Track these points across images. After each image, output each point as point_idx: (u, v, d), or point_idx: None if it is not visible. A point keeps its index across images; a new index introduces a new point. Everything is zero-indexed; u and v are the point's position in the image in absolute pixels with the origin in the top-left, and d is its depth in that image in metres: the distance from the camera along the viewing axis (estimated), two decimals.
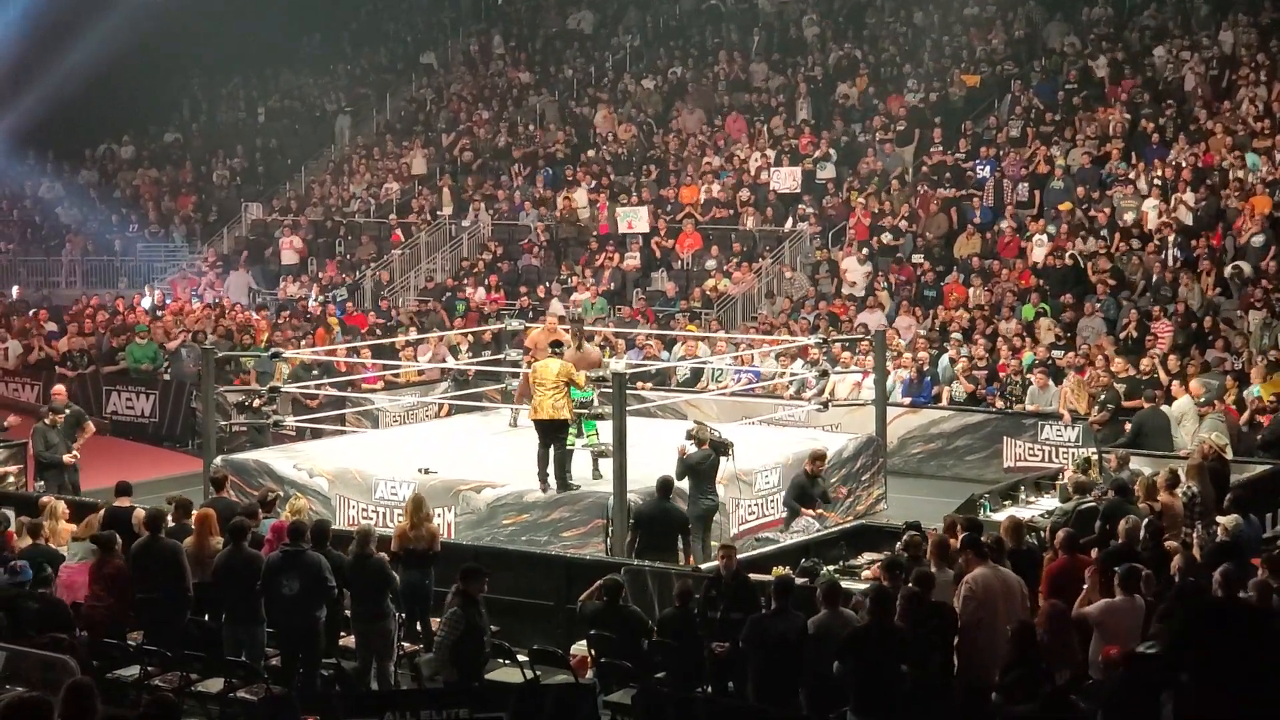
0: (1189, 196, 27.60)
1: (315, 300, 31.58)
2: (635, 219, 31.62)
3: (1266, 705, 8.85)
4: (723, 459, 17.31)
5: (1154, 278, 26.12)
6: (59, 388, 21.62)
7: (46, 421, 19.94)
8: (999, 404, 23.56)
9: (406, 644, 14.16)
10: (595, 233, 32.59)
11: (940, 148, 31.78)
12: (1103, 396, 22.00)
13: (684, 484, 17.00)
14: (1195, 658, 9.45)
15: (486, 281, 31.39)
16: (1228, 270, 25.80)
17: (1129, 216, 27.80)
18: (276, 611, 13.31)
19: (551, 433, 17.53)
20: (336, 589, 13.42)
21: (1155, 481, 15.86)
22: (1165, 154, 29.12)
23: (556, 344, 18.63)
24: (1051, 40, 34.46)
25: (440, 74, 41.49)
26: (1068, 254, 27.06)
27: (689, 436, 17.36)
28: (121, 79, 38.95)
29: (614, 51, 39.74)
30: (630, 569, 14.84)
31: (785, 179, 32.35)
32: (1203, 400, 21.18)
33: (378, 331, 28.12)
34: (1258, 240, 26.10)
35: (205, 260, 35.54)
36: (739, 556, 16.68)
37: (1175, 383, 21.58)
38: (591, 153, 35.40)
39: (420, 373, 25.84)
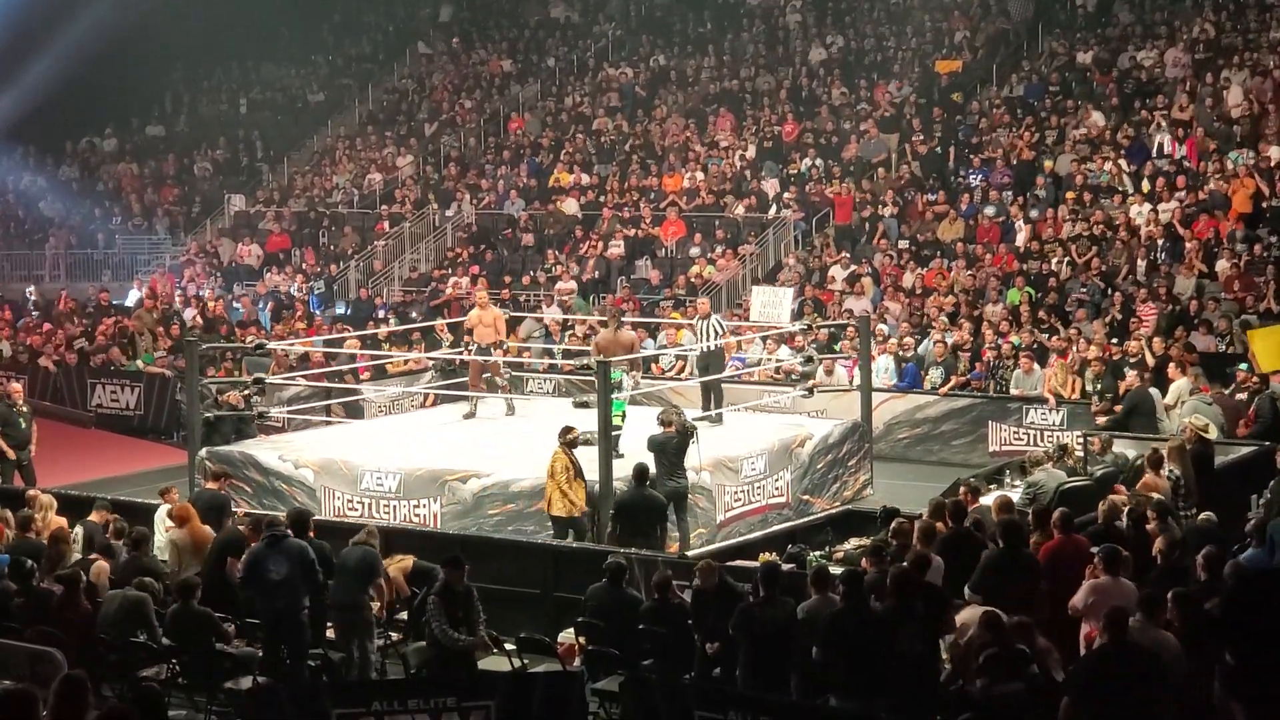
0: (1178, 181, 27.73)
1: (298, 292, 31.56)
2: None
3: None
4: (690, 443, 17.31)
5: (1138, 262, 26.20)
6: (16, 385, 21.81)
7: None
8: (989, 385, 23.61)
9: (394, 634, 14.17)
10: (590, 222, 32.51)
11: (921, 136, 31.82)
12: (1099, 385, 21.94)
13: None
14: (1241, 630, 9.36)
15: (470, 271, 31.37)
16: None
17: (1114, 211, 27.86)
18: (262, 597, 13.35)
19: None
20: (322, 576, 13.44)
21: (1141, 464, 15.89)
22: (1150, 144, 29.20)
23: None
24: (1034, 26, 34.52)
25: (422, 64, 41.45)
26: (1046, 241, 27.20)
27: (659, 420, 17.41)
28: (103, 72, 38.85)
29: (595, 40, 39.72)
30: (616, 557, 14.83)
31: (769, 177, 32.35)
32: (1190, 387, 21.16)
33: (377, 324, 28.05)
34: (1240, 230, 26.24)
35: (190, 251, 35.50)
36: (726, 544, 16.85)
37: (1172, 365, 21.51)
38: (575, 142, 35.38)
39: (405, 362, 25.85)
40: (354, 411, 23.59)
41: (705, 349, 20.60)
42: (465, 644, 12.68)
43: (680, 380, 24.38)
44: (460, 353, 21.80)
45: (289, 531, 13.55)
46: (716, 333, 20.54)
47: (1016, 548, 12.44)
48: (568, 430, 17.07)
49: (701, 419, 19.86)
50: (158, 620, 13.20)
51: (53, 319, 29.98)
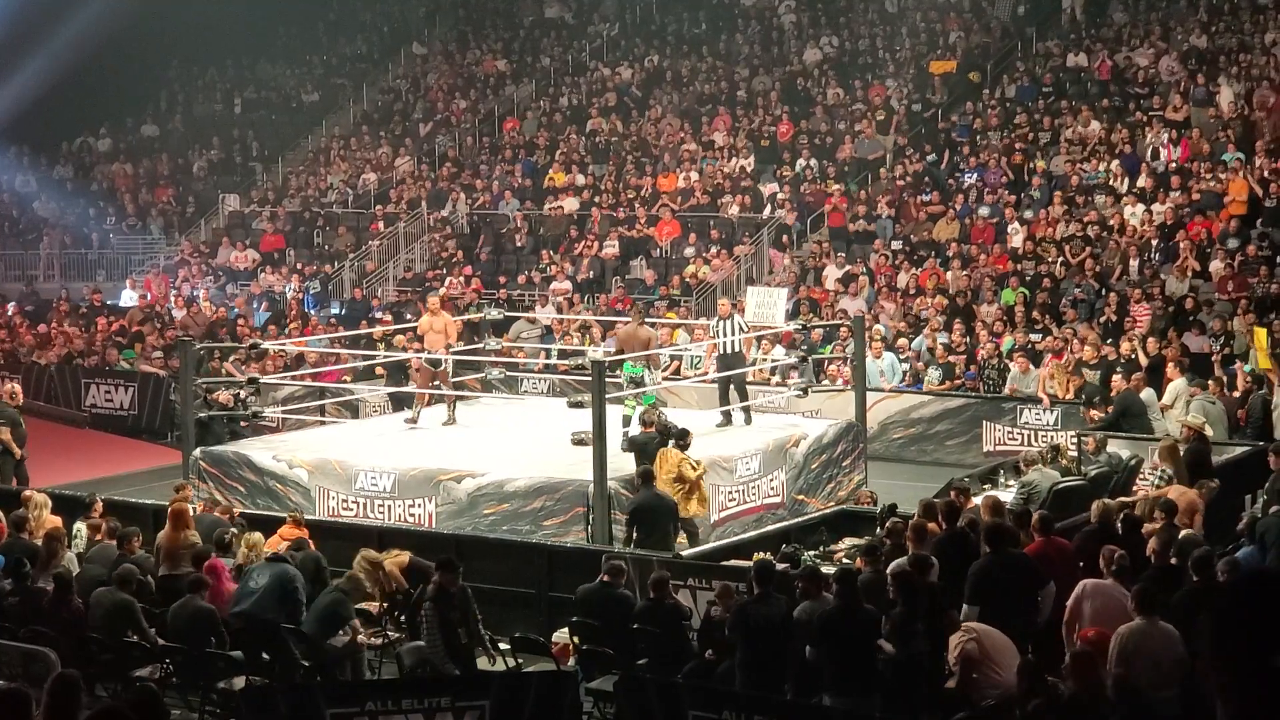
0: (1171, 182, 27.75)
1: (293, 291, 31.53)
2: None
3: None
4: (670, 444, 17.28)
5: (1131, 262, 26.22)
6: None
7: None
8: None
9: (392, 632, 14.16)
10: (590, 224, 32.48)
11: (914, 140, 31.85)
12: (1082, 395, 21.89)
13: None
14: (1235, 625, 9.26)
15: (464, 272, 31.34)
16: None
17: (1108, 212, 27.89)
18: (235, 598, 13.43)
19: None
20: (305, 605, 13.38)
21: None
22: (1143, 145, 29.22)
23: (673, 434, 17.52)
24: (1028, 28, 34.55)
25: (417, 64, 41.42)
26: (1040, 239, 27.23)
27: (640, 419, 17.41)
28: (97, 72, 38.83)
29: (590, 40, 39.72)
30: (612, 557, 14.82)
31: (766, 180, 32.33)
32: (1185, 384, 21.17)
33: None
34: (1234, 227, 26.26)
35: (184, 251, 35.46)
36: (720, 544, 16.84)
37: (1170, 365, 21.48)
38: (569, 142, 35.36)
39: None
40: (402, 401, 23.50)
41: (726, 348, 20.46)
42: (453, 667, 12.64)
43: (677, 380, 24.39)
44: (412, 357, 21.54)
45: (291, 555, 13.66)
46: (742, 329, 20.43)
47: (1003, 550, 12.29)
48: (684, 434, 17.09)
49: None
50: (157, 615, 13.21)
51: (47, 319, 29.94)
